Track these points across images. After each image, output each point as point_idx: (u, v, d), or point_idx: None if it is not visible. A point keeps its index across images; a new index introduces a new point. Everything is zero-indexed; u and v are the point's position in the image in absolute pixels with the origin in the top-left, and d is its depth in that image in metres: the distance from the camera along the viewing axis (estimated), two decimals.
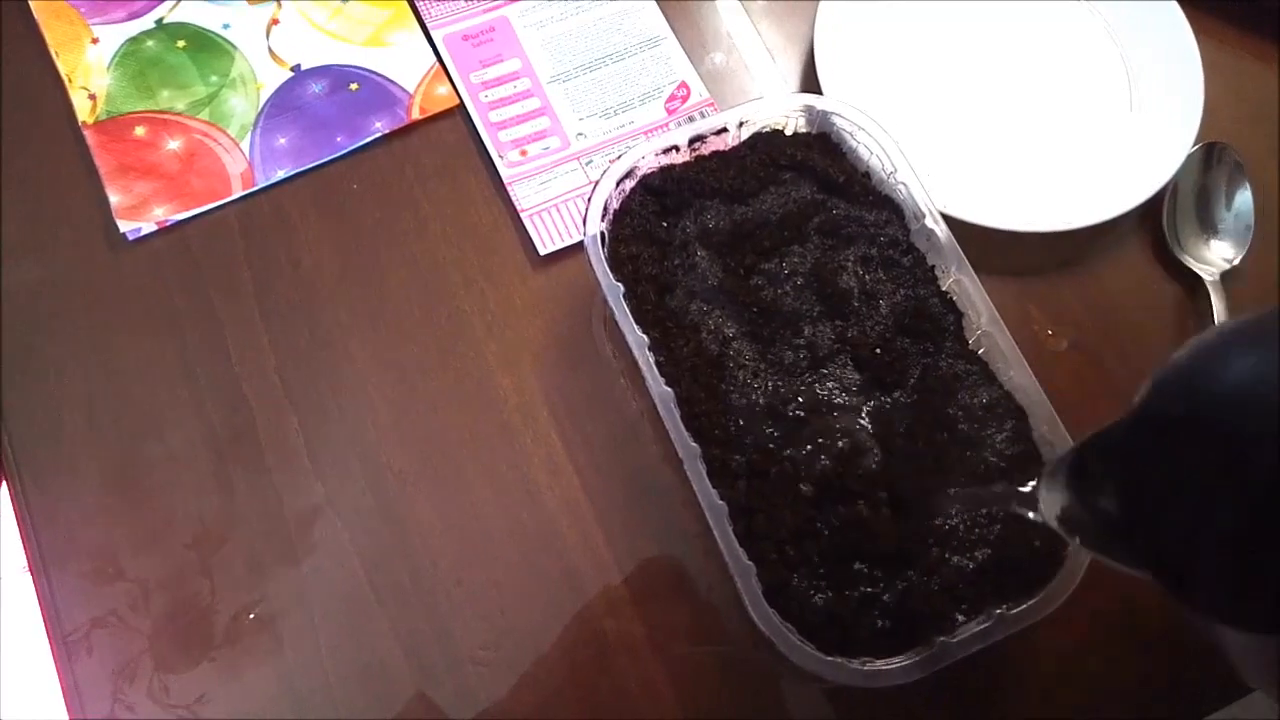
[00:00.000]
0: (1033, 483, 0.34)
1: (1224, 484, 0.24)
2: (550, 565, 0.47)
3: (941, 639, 0.39)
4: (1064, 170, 0.55)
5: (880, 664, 0.39)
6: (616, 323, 0.44)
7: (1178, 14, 0.57)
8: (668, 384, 0.43)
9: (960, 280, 0.45)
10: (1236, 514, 0.24)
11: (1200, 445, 0.25)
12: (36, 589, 0.46)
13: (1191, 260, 0.53)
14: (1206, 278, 0.52)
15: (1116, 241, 0.55)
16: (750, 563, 0.40)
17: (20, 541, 0.47)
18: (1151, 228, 0.55)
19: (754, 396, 0.44)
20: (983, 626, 0.40)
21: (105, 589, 0.46)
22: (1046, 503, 0.31)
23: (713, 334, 0.45)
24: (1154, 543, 0.26)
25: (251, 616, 0.45)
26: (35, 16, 0.55)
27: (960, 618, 0.40)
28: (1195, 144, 0.54)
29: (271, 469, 0.48)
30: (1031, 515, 0.33)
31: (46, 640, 0.46)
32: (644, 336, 0.43)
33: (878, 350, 0.44)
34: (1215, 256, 0.53)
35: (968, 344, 0.46)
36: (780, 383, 0.44)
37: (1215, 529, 0.24)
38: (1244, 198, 0.54)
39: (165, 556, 0.46)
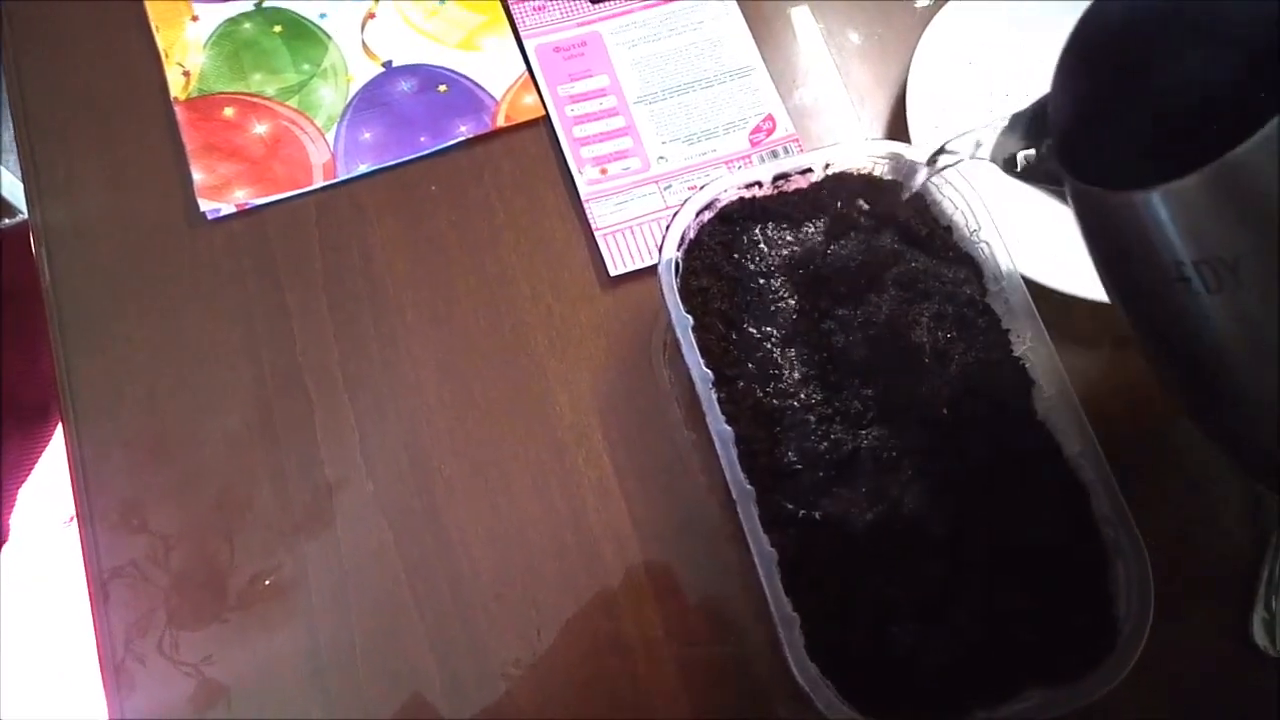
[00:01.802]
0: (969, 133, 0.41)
1: (1125, 86, 0.32)
2: (589, 589, 0.47)
3: (982, 713, 0.39)
4: None
5: None
6: (678, 350, 0.44)
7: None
8: (728, 422, 0.42)
9: (1035, 347, 0.45)
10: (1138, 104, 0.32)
11: (1103, 58, 0.32)
12: (82, 541, 0.47)
13: None
14: None
15: None
16: (795, 614, 0.39)
17: (71, 495, 0.48)
18: None
19: (815, 442, 0.43)
20: (1025, 705, 0.39)
21: (135, 539, 0.47)
22: (996, 150, 0.40)
23: (780, 375, 0.44)
24: (1077, 144, 0.34)
25: (268, 582, 0.46)
26: None
27: (1003, 693, 0.40)
28: None
29: (324, 461, 0.48)
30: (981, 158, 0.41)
31: (86, 585, 0.47)
32: (708, 372, 0.43)
33: (945, 410, 0.44)
34: None
35: (1035, 413, 0.45)
36: (843, 432, 0.43)
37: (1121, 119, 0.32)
38: None
39: (200, 525, 0.47)
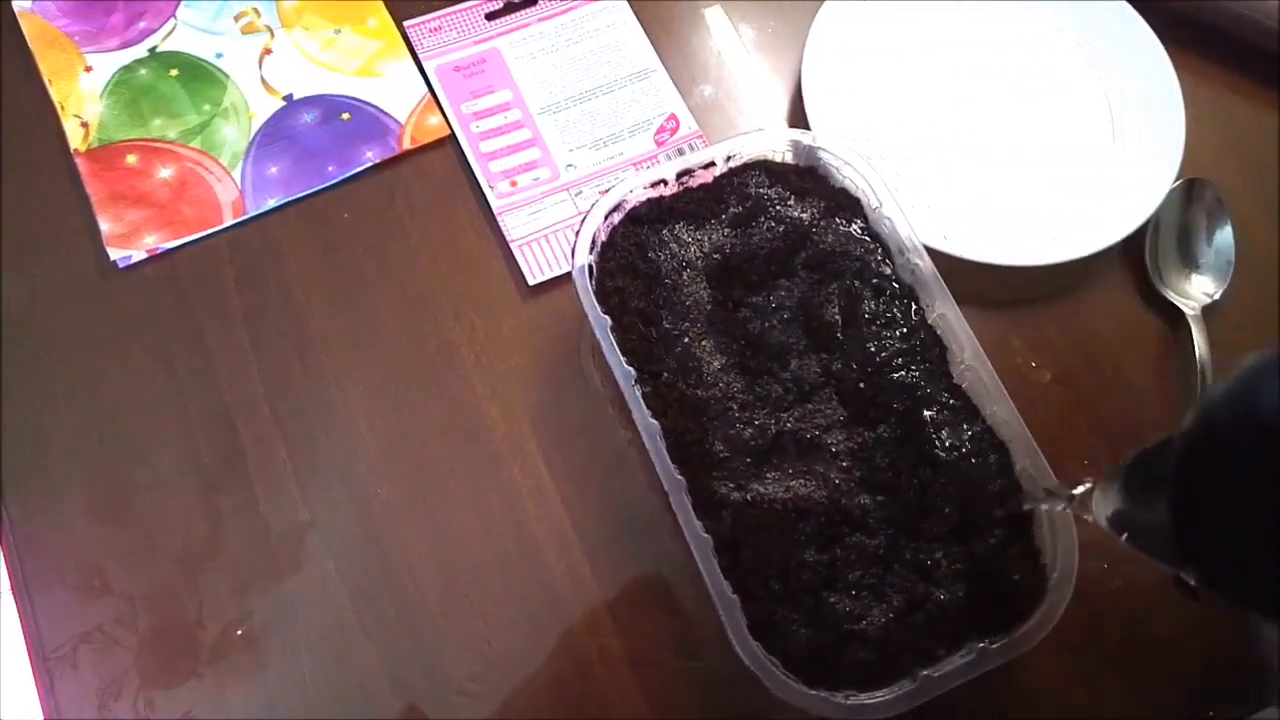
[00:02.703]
0: (1083, 486, 0.37)
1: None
2: (537, 596, 0.47)
3: (924, 673, 0.40)
4: (1048, 205, 0.56)
5: (864, 697, 0.39)
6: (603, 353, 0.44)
7: (1160, 52, 0.58)
8: (654, 416, 0.43)
9: (944, 314, 0.46)
10: None
11: (1256, 463, 0.27)
12: (19, 610, 0.46)
13: (1173, 294, 0.54)
14: (1188, 311, 0.53)
15: (1100, 275, 0.55)
16: (735, 596, 0.40)
17: (4, 562, 0.48)
18: (1134, 262, 0.55)
19: (740, 429, 0.44)
20: (965, 660, 0.40)
21: (92, 605, 0.46)
22: (1099, 505, 0.35)
23: (700, 366, 0.45)
24: (1205, 549, 0.29)
25: (240, 632, 0.45)
26: (29, 45, 0.55)
27: (942, 652, 0.41)
28: (1177, 180, 0.55)
29: (259, 498, 0.48)
30: (1089, 518, 0.36)
31: (29, 662, 0.45)
32: (630, 370, 0.43)
33: (861, 384, 0.45)
34: (1196, 291, 0.54)
35: (951, 377, 0.46)
36: (767, 415, 0.44)
37: (1268, 538, 0.27)
38: (1224, 234, 0.55)
39: (152, 574, 0.46)
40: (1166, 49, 0.58)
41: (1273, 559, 0.27)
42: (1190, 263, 0.55)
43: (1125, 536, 0.34)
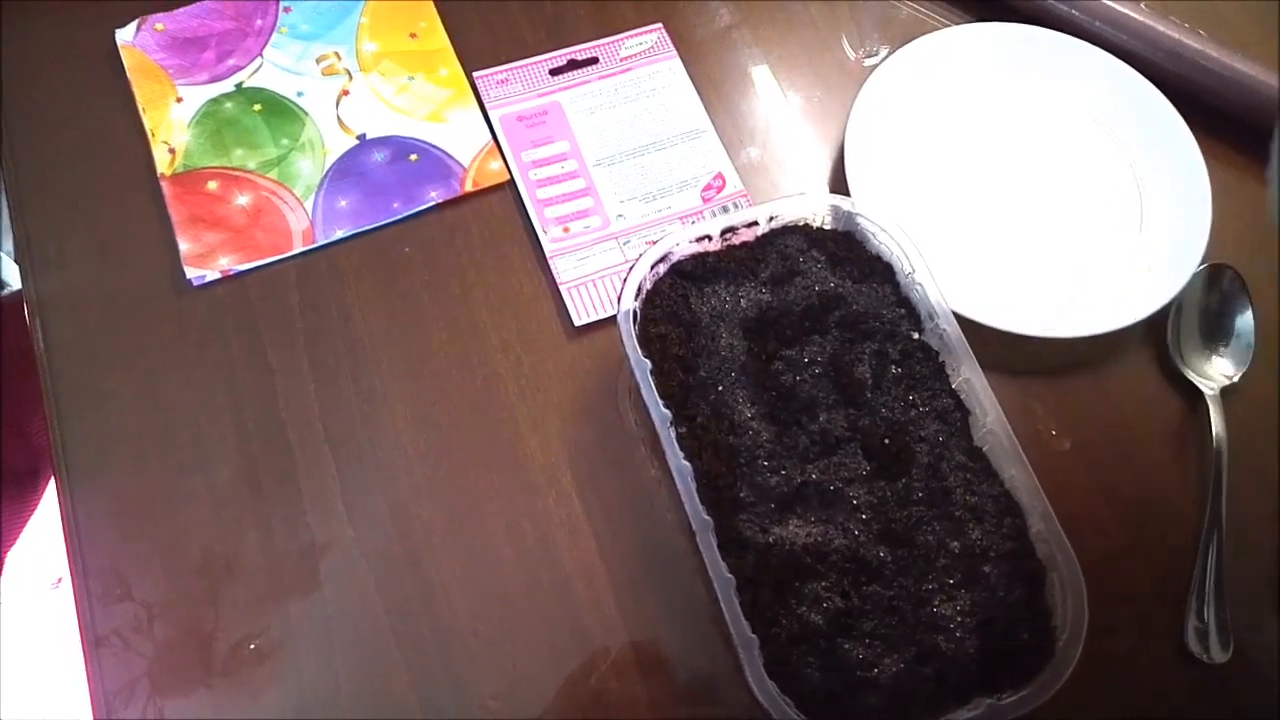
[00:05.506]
0: None
1: None
2: (562, 623, 0.49)
3: None
4: (1075, 281, 0.58)
5: None
6: (641, 395, 0.47)
7: (1189, 140, 0.60)
8: (686, 458, 0.45)
9: (969, 379, 0.48)
10: None
11: None
12: (75, 598, 0.49)
13: (1193, 374, 0.56)
14: (1207, 391, 0.55)
15: (1122, 351, 0.57)
16: (754, 635, 0.42)
17: (66, 555, 0.50)
18: (1156, 340, 0.57)
19: (767, 476, 0.46)
20: (973, 714, 0.41)
21: (118, 608, 0.48)
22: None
23: (732, 414, 0.47)
24: None
25: (252, 647, 0.48)
26: (128, 74, 0.60)
27: (951, 704, 0.42)
28: (1201, 264, 0.57)
29: (307, 510, 0.51)
30: None
31: (80, 649, 0.48)
32: (666, 412, 0.46)
33: (886, 441, 0.47)
34: (1216, 372, 0.56)
35: (973, 440, 0.48)
36: (793, 465, 0.46)
37: None
38: (1245, 318, 0.57)
39: (184, 590, 0.49)
40: (1195, 136, 0.60)
41: None
42: (1211, 344, 0.57)
43: None
